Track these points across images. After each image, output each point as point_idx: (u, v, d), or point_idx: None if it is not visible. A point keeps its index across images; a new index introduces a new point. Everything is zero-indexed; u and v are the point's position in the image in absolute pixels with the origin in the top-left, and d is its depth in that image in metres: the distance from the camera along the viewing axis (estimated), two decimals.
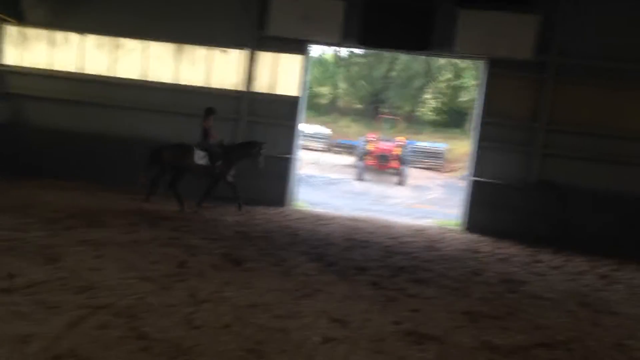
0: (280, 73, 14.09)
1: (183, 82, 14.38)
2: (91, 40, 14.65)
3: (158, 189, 11.98)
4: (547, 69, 12.82)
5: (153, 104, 14.40)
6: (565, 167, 12.92)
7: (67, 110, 14.61)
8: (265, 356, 4.87)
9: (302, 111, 14.32)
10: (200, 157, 11.78)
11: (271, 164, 13.55)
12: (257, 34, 13.82)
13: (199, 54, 14.32)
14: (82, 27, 14.57)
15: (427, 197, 21.36)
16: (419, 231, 12.60)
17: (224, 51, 14.18)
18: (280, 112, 14.08)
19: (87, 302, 5.67)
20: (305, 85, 14.27)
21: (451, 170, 30.37)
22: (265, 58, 14.06)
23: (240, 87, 14.13)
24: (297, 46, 13.85)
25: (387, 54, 39.87)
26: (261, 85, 14.13)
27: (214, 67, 14.30)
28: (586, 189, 12.74)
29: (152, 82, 14.45)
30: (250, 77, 14.04)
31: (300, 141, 14.71)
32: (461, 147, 32.92)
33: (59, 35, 14.73)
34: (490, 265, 9.77)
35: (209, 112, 12.17)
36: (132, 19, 14.35)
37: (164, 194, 12.25)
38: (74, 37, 14.69)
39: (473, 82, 37.53)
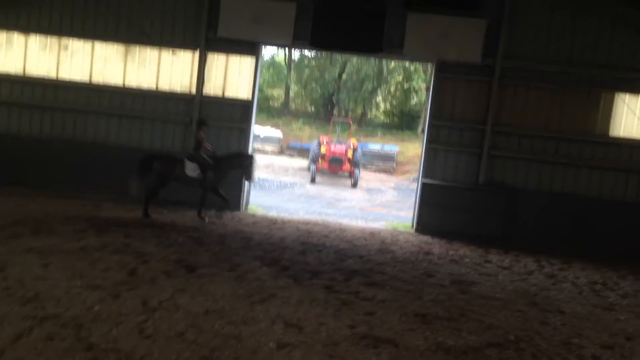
0: (232, 75, 13.96)
1: (132, 85, 14.07)
2: (35, 40, 14.18)
3: (157, 197, 11.92)
4: (494, 72, 13.12)
5: (101, 106, 14.05)
6: (512, 168, 13.25)
7: (10, 114, 14.12)
8: None
9: (254, 114, 14.22)
10: (191, 169, 11.76)
11: None
12: (207, 35, 13.66)
13: (148, 55, 14.05)
14: (26, 27, 14.09)
15: (379, 200, 21.53)
16: (372, 234, 12.68)
17: (174, 53, 13.96)
18: (232, 114, 13.96)
19: (33, 312, 5.48)
20: (257, 87, 14.17)
21: (403, 173, 30.71)
22: (217, 60, 13.91)
23: (191, 90, 13.94)
24: (248, 48, 13.76)
25: (338, 57, 40.09)
26: (213, 87, 13.96)
27: (164, 69, 14.05)
28: (533, 189, 13.12)
29: (99, 85, 14.08)
30: (201, 80, 13.85)
31: (252, 144, 14.60)
32: (412, 149, 33.41)
33: (1, 35, 14.21)
34: (442, 267, 9.92)
35: (201, 123, 12.29)
36: (78, 19, 13.97)
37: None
38: (17, 37, 14.19)
39: (423, 85, 38.16)
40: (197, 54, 13.80)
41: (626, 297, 9.04)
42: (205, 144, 12.25)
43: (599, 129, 12.99)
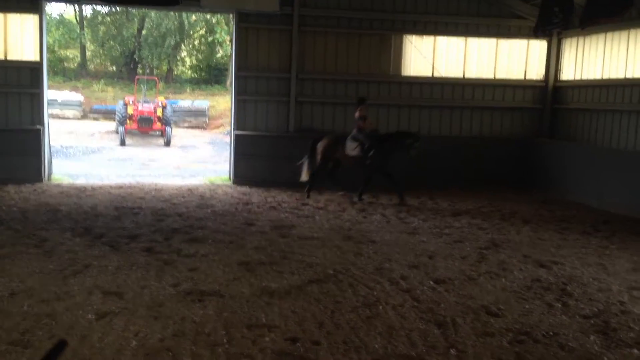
0: (13, 36, 12.57)
1: None
2: None
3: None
4: (293, 20, 13.32)
5: None
6: (319, 113, 13.76)
7: None
8: (31, 345, 4.48)
9: (46, 77, 13.01)
10: (351, 148, 11.53)
11: (16, 137, 12.34)
12: None
13: None
14: None
15: (195, 156, 21.20)
16: (190, 190, 12.47)
17: None
18: (20, 79, 12.65)
19: None
20: (45, 48, 12.93)
21: (216, 127, 30.45)
22: None
23: None
24: (28, 5, 12.46)
25: (135, 12, 37.94)
26: None
27: None
28: (339, 132, 13.71)
29: None
30: None
31: (49, 110, 13.42)
32: (223, 103, 33.15)
33: None
34: (261, 215, 10.12)
35: (361, 101, 11.88)
36: None
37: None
38: None
39: (227, 38, 37.68)
40: None
41: (427, 221, 10.03)
42: (366, 123, 11.58)
43: (393, 70, 13.91)
